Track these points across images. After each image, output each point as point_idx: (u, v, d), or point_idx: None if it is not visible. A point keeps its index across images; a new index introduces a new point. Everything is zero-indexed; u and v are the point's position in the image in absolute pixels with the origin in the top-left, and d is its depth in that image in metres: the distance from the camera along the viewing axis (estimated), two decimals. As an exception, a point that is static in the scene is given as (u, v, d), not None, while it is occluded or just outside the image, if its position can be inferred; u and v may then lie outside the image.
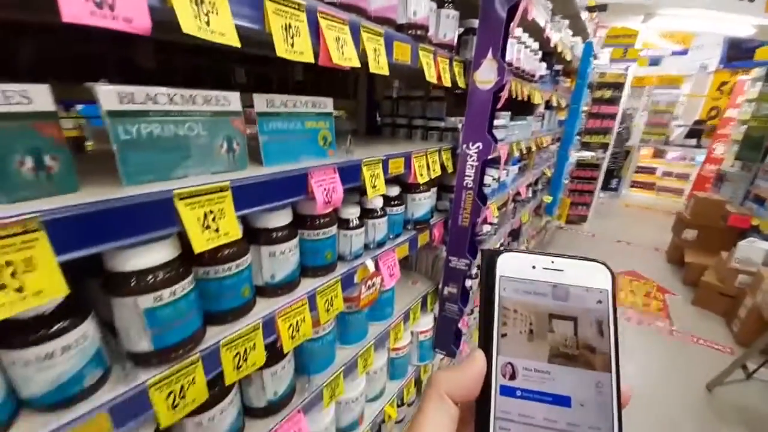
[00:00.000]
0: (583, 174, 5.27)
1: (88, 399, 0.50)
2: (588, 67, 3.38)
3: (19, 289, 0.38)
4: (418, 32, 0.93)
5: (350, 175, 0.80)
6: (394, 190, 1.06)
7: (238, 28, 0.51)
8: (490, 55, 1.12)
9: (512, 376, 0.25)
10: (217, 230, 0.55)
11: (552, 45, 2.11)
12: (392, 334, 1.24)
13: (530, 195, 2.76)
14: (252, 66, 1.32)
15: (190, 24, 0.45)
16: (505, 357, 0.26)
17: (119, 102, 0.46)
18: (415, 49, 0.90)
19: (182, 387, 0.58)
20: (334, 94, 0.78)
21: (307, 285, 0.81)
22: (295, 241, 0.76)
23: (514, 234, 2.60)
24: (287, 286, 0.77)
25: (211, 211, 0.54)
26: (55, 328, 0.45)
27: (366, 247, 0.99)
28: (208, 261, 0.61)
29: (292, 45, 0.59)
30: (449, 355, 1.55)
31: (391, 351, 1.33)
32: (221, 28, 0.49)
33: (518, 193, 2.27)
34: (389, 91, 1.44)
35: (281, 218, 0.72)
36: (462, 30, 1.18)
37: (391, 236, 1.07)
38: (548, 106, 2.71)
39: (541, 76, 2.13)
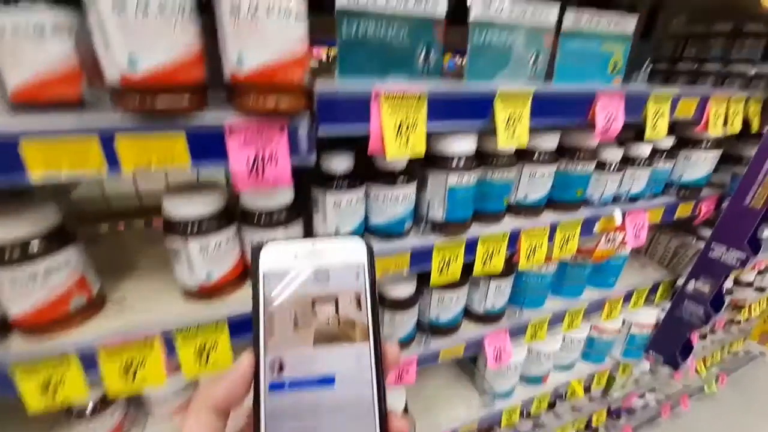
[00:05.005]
0: None
1: (400, 239, 0.70)
2: None
3: (407, 140, 0.56)
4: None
5: (633, 107, 0.73)
6: (668, 141, 0.90)
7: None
8: None
9: (280, 370, 0.25)
10: (514, 132, 0.63)
11: None
12: (606, 308, 1.12)
13: None
14: None
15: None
16: (273, 353, 0.25)
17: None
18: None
19: (450, 259, 0.73)
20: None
21: (550, 216, 0.83)
22: (554, 168, 0.78)
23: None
24: (534, 209, 0.81)
25: (514, 113, 0.62)
26: (400, 180, 0.65)
27: (615, 198, 0.90)
28: (490, 163, 0.71)
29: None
30: (670, 364, 1.27)
31: (593, 329, 1.21)
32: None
33: None
34: (672, 28, 1.17)
35: (549, 142, 0.75)
36: None
37: (647, 194, 0.93)
38: None
39: None
